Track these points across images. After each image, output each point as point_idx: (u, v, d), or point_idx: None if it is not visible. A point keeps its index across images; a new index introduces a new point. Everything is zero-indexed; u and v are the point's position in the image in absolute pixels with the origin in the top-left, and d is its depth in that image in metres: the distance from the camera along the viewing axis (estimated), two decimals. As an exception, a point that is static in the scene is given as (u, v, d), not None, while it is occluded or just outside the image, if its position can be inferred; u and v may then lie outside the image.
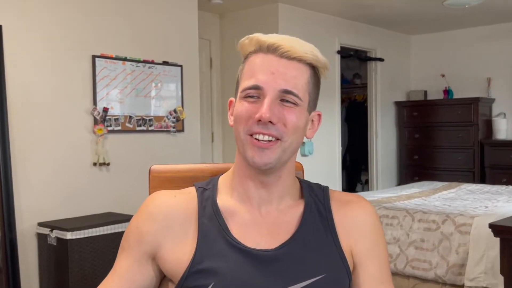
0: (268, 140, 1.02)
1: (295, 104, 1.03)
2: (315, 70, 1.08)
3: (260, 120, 1.00)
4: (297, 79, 1.03)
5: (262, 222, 1.08)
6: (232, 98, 1.11)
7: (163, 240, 1.06)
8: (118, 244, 1.12)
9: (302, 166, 1.31)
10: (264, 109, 1.00)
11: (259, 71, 1.03)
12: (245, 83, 1.04)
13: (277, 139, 1.03)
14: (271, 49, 1.04)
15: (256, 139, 1.02)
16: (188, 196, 1.10)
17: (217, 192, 1.11)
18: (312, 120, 1.11)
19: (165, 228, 1.06)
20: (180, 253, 1.05)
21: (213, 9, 5.32)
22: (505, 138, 6.05)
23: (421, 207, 3.76)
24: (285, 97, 1.02)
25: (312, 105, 1.09)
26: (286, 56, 1.03)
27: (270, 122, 1.01)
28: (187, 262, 1.03)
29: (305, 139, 1.10)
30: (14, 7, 3.25)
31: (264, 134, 1.02)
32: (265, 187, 1.08)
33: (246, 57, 1.08)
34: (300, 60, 1.04)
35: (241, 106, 1.04)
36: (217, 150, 5.54)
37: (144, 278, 1.07)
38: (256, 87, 1.02)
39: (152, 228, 1.06)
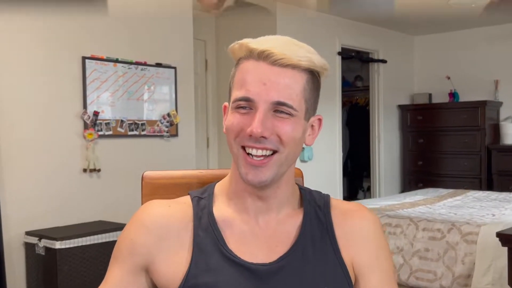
0: (263, 156, 1.01)
1: (290, 114, 1.01)
2: (313, 73, 1.05)
3: (251, 135, 0.99)
4: (292, 88, 1.01)
5: (260, 233, 1.07)
6: (226, 103, 1.10)
7: (157, 253, 1.05)
8: (109, 254, 1.12)
9: (301, 173, 1.31)
10: (256, 124, 0.98)
11: (250, 81, 1.00)
12: (236, 94, 1.02)
13: (274, 151, 1.01)
14: (262, 57, 1.00)
15: (249, 154, 1.01)
16: (183, 206, 1.09)
17: (213, 201, 1.10)
18: (312, 126, 1.09)
19: (160, 240, 1.06)
20: (174, 266, 1.04)
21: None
22: (513, 143, 6.06)
23: (426, 215, 3.77)
24: (278, 108, 0.99)
25: (311, 111, 1.07)
26: (279, 64, 1.00)
27: (263, 136, 0.99)
28: (182, 276, 1.03)
29: (304, 145, 1.09)
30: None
31: (257, 148, 1.00)
32: (263, 200, 1.07)
33: (237, 63, 1.06)
34: (294, 67, 1.01)
35: (232, 118, 1.02)
36: (212, 155, 5.55)
37: None
38: (247, 99, 1.00)
39: (146, 240, 1.06)
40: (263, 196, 1.06)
